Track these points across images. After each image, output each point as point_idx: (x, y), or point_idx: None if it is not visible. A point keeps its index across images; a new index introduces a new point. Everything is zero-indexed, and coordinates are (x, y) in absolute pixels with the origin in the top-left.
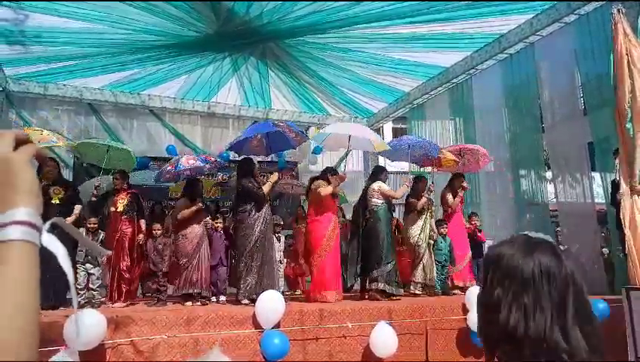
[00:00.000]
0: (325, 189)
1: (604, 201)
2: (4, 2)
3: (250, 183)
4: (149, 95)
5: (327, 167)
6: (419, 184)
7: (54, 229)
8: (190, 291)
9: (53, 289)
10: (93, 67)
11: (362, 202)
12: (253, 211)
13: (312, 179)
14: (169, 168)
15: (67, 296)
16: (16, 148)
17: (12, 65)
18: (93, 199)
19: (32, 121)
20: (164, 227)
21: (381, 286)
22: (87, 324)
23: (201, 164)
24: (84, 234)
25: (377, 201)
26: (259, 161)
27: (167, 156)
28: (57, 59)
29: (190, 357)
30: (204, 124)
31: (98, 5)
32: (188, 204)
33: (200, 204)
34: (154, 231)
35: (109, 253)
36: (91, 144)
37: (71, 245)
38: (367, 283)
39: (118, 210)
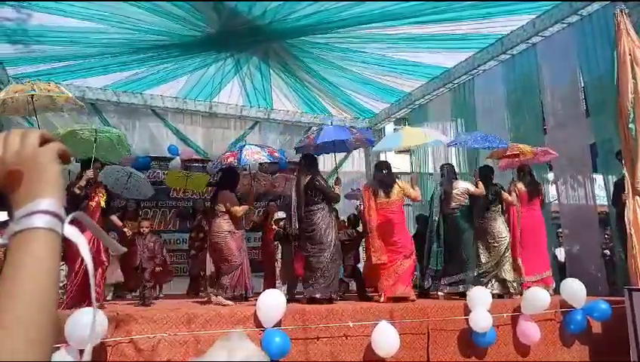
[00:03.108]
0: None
1: (606, 203)
2: (8, 2)
3: (324, 182)
4: (151, 95)
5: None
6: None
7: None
8: (241, 293)
9: None
10: (95, 67)
11: (445, 203)
12: (327, 210)
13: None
14: (231, 159)
15: None
16: (42, 144)
17: (14, 64)
18: (77, 191)
19: (34, 120)
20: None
21: (462, 289)
22: (87, 323)
23: (266, 160)
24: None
25: (466, 202)
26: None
27: (169, 156)
28: (59, 58)
29: (192, 356)
30: (206, 124)
31: (101, 5)
32: (235, 198)
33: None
34: (142, 229)
35: (124, 249)
36: (75, 132)
37: None
38: (444, 284)
39: (101, 205)
